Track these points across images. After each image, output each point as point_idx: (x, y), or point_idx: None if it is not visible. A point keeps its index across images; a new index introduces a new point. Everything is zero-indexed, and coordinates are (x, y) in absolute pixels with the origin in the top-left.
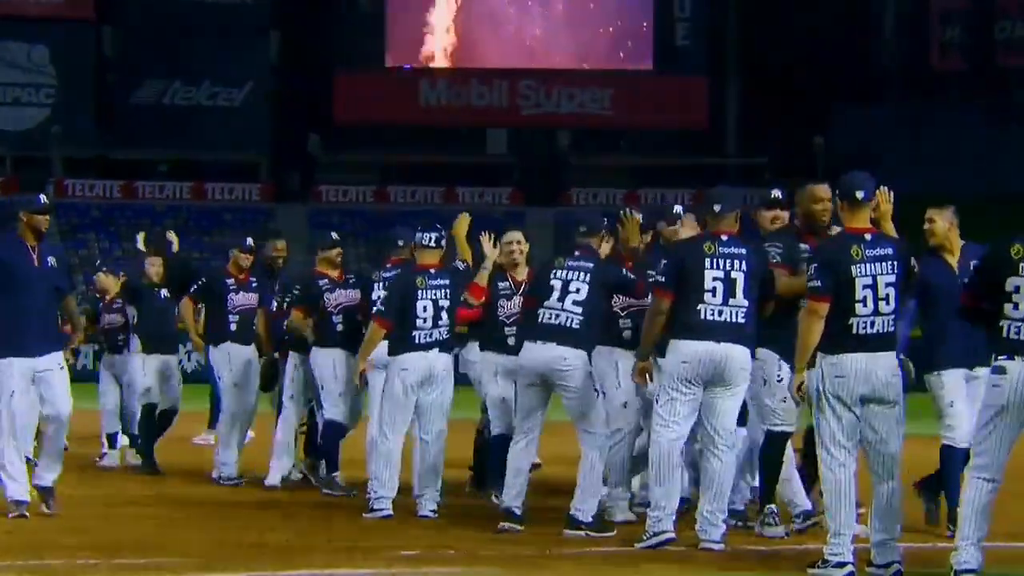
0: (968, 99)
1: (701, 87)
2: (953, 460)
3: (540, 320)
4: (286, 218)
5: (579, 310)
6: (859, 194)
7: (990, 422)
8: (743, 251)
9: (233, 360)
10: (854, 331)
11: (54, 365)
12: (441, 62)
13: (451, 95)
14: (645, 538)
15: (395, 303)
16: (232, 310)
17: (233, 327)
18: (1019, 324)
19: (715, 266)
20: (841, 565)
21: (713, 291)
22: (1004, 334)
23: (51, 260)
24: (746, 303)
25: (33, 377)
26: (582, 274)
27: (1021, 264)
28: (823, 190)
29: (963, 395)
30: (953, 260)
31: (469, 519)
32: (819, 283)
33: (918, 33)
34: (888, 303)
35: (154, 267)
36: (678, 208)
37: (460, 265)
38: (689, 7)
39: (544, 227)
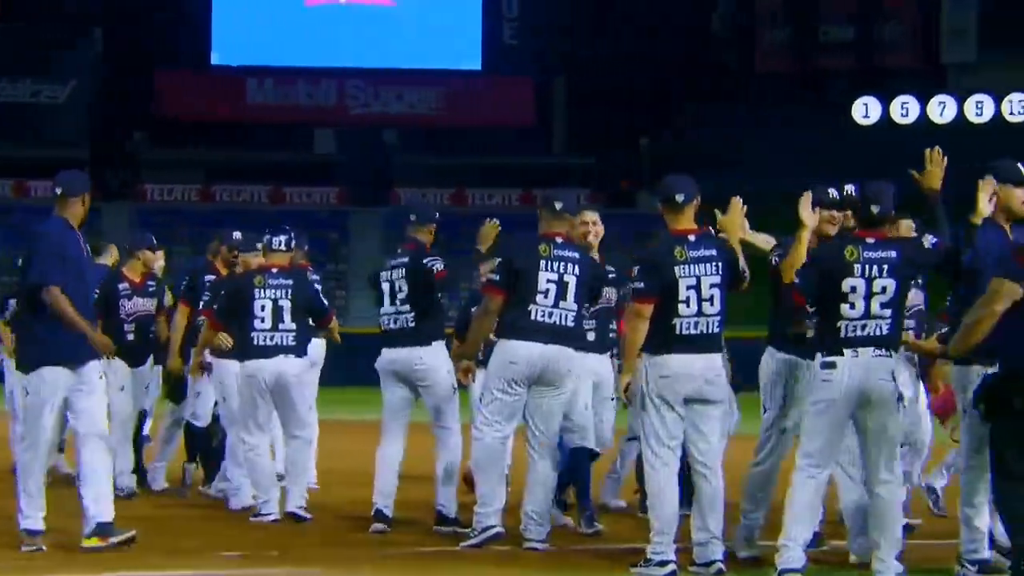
0: (791, 99)
1: (528, 87)
2: None
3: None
4: (110, 217)
5: (408, 307)
6: (679, 197)
7: (819, 417)
8: (576, 255)
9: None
10: (678, 331)
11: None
12: (268, 60)
13: (278, 94)
14: (473, 535)
15: (224, 304)
16: (127, 317)
17: (130, 336)
18: (855, 323)
19: (549, 268)
20: (663, 564)
21: (545, 293)
22: (842, 333)
23: (87, 249)
24: (575, 307)
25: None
26: (401, 270)
27: (855, 266)
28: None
29: None
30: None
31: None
32: (643, 284)
33: (746, 37)
34: (712, 304)
35: None
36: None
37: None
38: (517, 7)
39: (371, 227)
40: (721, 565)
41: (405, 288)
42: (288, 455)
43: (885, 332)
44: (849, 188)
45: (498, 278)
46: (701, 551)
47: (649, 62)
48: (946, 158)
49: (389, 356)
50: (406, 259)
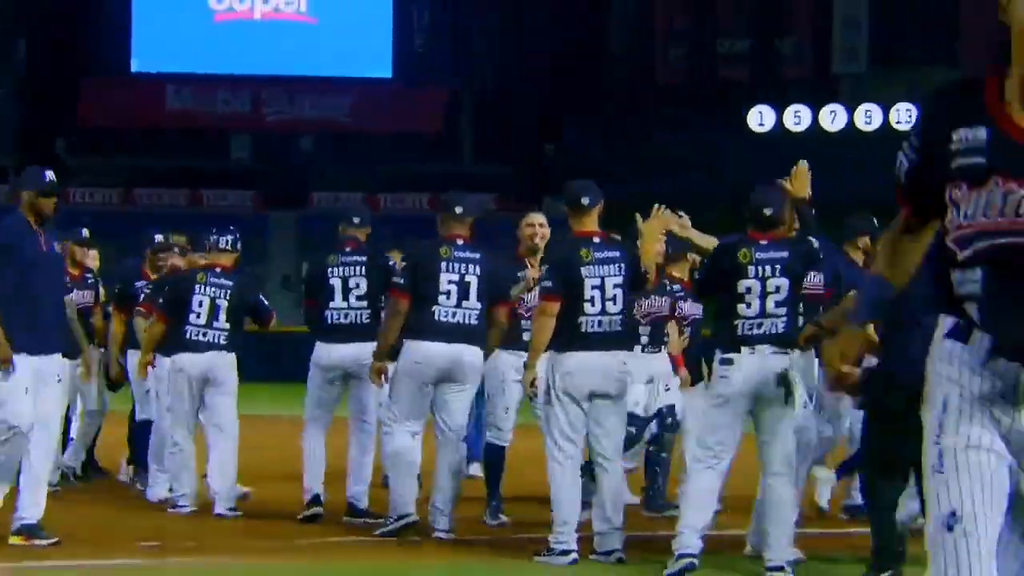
0: (690, 108)
1: (438, 95)
2: None
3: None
4: None
5: (365, 304)
6: (584, 200)
7: (718, 411)
8: (477, 255)
9: None
10: (583, 329)
11: (54, 373)
12: (187, 68)
13: (196, 101)
14: (388, 523)
15: (168, 298)
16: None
17: None
18: (750, 321)
19: (450, 270)
20: (566, 553)
21: (448, 294)
22: (738, 332)
23: (56, 246)
24: (479, 305)
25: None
26: (359, 267)
27: (749, 267)
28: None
29: None
30: None
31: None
32: (550, 283)
33: (646, 49)
34: (615, 303)
35: None
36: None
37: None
38: (427, 17)
39: (287, 229)
40: (621, 554)
41: (363, 285)
42: (213, 453)
43: (780, 330)
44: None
45: (402, 281)
46: (601, 540)
47: (555, 72)
48: (810, 171)
49: (338, 352)
50: (363, 256)
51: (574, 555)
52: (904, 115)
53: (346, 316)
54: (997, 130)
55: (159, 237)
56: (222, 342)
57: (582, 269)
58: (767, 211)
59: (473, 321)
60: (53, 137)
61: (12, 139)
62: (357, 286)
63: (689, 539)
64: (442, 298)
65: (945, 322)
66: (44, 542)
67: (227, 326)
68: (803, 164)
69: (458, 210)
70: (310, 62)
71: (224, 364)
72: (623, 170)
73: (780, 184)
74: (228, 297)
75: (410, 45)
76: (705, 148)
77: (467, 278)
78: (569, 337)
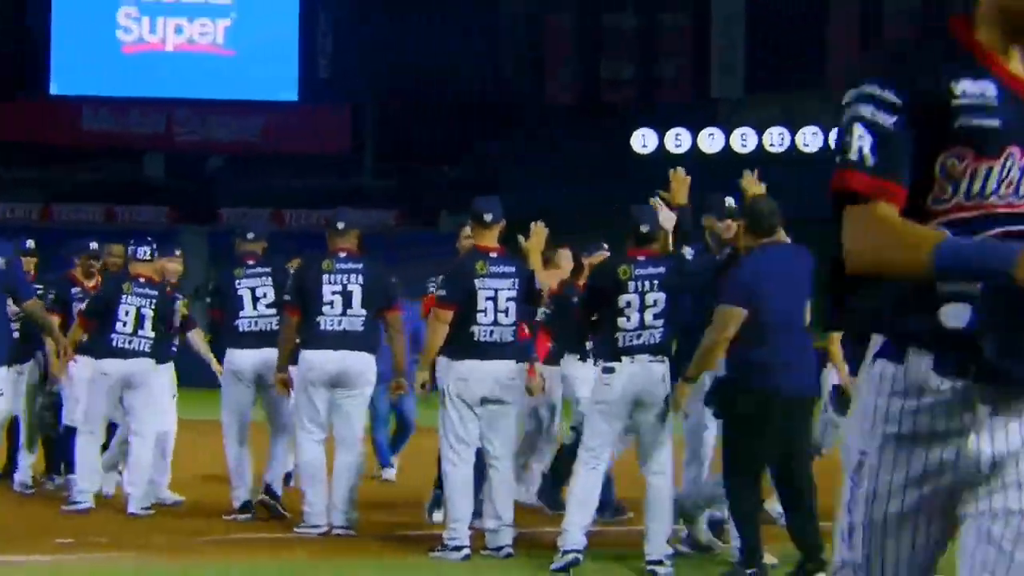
0: (577, 130)
1: (341, 116)
2: None
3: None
4: None
5: (273, 312)
6: (487, 216)
7: (600, 416)
8: (359, 265)
9: None
10: (475, 338)
11: None
12: (102, 91)
13: (112, 121)
14: (301, 526)
15: (92, 306)
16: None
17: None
18: (630, 333)
19: (332, 281)
20: (458, 548)
21: (332, 304)
22: (619, 344)
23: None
24: (363, 312)
25: None
26: (265, 278)
27: (629, 283)
28: None
29: None
30: None
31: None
32: (444, 293)
33: (537, 73)
34: (507, 315)
35: None
36: (730, 200)
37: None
38: (331, 43)
39: (197, 244)
40: (510, 550)
41: (270, 294)
42: (130, 456)
43: (658, 341)
44: (730, 200)
45: (290, 297)
46: (493, 537)
47: (451, 94)
48: (690, 177)
49: (249, 357)
50: (267, 268)
51: (466, 551)
52: (776, 138)
53: (256, 324)
54: (1004, 87)
55: (94, 245)
56: (147, 349)
57: (476, 281)
58: (643, 228)
59: (359, 327)
60: None
61: None
62: (264, 295)
63: (574, 536)
64: (326, 308)
65: (876, 339)
66: None
67: (152, 335)
68: (680, 171)
69: (340, 225)
70: (220, 86)
71: (145, 370)
72: (512, 187)
73: (659, 194)
74: (153, 307)
75: (315, 70)
76: (591, 168)
77: (349, 287)
78: (463, 345)
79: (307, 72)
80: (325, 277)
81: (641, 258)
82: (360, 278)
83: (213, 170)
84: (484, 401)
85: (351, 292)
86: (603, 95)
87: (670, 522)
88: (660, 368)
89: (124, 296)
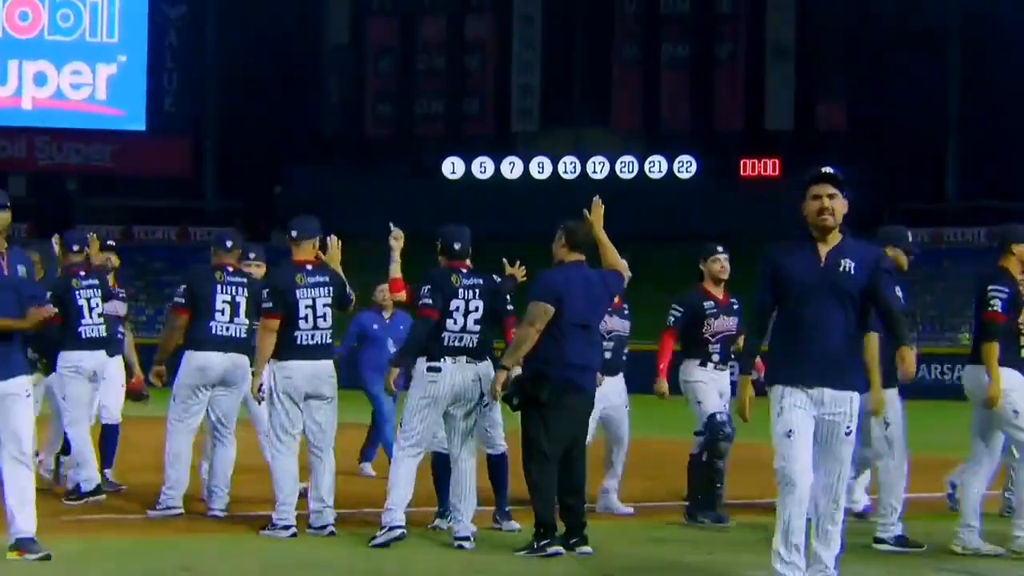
0: (394, 158)
1: (185, 144)
2: None
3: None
4: None
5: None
6: (294, 233)
7: (423, 410)
8: (243, 280)
9: None
10: (299, 342)
11: (18, 391)
12: None
13: None
14: (158, 508)
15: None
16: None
17: None
18: (455, 335)
19: (224, 292)
20: (287, 527)
21: (222, 311)
22: (445, 343)
23: (20, 269)
24: (247, 322)
25: None
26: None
27: (460, 289)
28: None
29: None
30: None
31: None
32: (271, 304)
33: (359, 106)
34: (325, 320)
35: None
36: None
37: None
38: (176, 81)
39: (55, 257)
40: (333, 528)
41: (244, 303)
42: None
43: (476, 344)
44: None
45: (183, 300)
46: (317, 516)
47: (283, 124)
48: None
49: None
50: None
51: (293, 529)
52: (570, 167)
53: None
54: None
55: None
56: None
57: (297, 292)
58: (456, 246)
59: (242, 334)
60: None
61: None
62: (240, 304)
63: (396, 514)
64: (217, 315)
65: None
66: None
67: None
68: (597, 199)
69: (228, 244)
70: (76, 116)
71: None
72: (335, 210)
73: (584, 213)
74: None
75: (161, 104)
76: (405, 190)
77: (237, 299)
78: (288, 348)
79: (153, 105)
80: (217, 288)
81: (464, 270)
82: (244, 291)
83: (69, 191)
84: (307, 397)
85: (238, 303)
86: (416, 128)
87: (475, 503)
88: (476, 368)
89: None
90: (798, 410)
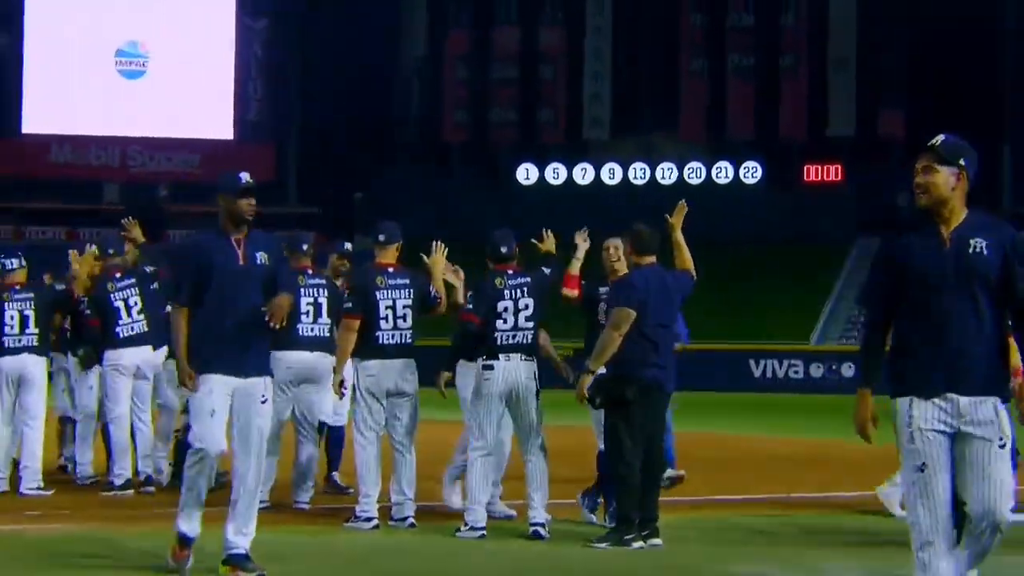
0: (470, 164)
1: (268, 151)
2: None
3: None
4: None
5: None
6: (381, 237)
7: (484, 409)
8: (323, 282)
9: None
10: (380, 341)
11: (257, 396)
12: (66, 129)
13: (75, 155)
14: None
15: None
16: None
17: None
18: (507, 334)
19: (307, 294)
20: (369, 519)
21: (307, 313)
22: (498, 342)
23: (260, 256)
24: (328, 321)
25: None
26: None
27: (505, 291)
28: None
29: None
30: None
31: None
32: (350, 305)
33: (436, 114)
34: (405, 320)
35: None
36: None
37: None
38: (261, 90)
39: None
40: (412, 520)
41: (325, 304)
42: (25, 441)
43: (530, 341)
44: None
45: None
46: (398, 509)
47: (363, 132)
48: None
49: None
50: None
51: (376, 521)
52: (639, 173)
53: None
54: None
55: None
56: (34, 344)
57: (377, 293)
58: (503, 249)
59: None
60: None
61: None
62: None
63: (479, 512)
64: (303, 316)
65: None
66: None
67: (36, 331)
68: (682, 203)
69: (304, 247)
70: (166, 125)
71: (37, 363)
72: (413, 213)
73: (666, 217)
74: (33, 307)
75: (247, 112)
76: (481, 195)
77: (319, 300)
78: (370, 347)
79: (240, 113)
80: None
81: (510, 272)
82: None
83: (160, 197)
84: (389, 394)
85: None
86: (491, 135)
87: (547, 492)
88: (531, 365)
89: (5, 303)
90: (932, 435)
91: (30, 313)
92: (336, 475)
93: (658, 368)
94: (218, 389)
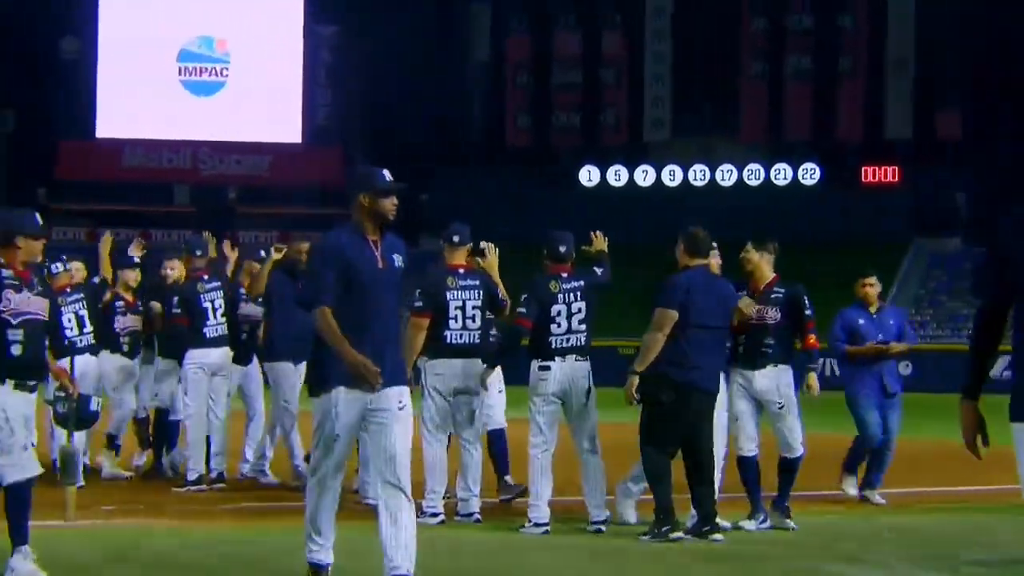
0: (533, 166)
1: (336, 155)
2: None
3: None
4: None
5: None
6: (455, 238)
7: (542, 409)
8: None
9: None
10: (448, 341)
11: (393, 404)
12: (138, 133)
13: (147, 158)
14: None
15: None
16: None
17: None
18: (560, 337)
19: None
20: (435, 515)
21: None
22: (552, 345)
23: (397, 259)
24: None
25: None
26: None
27: (559, 295)
28: None
29: None
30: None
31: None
32: (420, 304)
33: (499, 118)
34: (474, 321)
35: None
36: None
37: None
38: (330, 95)
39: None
40: (478, 515)
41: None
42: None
43: (584, 342)
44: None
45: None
46: (464, 504)
47: (428, 135)
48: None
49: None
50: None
51: (442, 516)
52: (700, 174)
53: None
54: None
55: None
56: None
57: (447, 293)
58: (562, 249)
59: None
60: (35, 187)
61: (5, 190)
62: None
63: (542, 509)
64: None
65: None
66: None
67: (91, 331)
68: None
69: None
70: (236, 129)
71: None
72: (477, 215)
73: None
74: (86, 308)
75: (315, 116)
76: (544, 197)
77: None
78: (437, 346)
79: (308, 118)
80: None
81: (564, 275)
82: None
83: (229, 199)
84: (456, 392)
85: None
86: (553, 138)
87: (604, 491)
88: (585, 365)
89: (61, 308)
90: None
91: (84, 313)
92: (509, 478)
93: (697, 370)
94: (345, 408)
